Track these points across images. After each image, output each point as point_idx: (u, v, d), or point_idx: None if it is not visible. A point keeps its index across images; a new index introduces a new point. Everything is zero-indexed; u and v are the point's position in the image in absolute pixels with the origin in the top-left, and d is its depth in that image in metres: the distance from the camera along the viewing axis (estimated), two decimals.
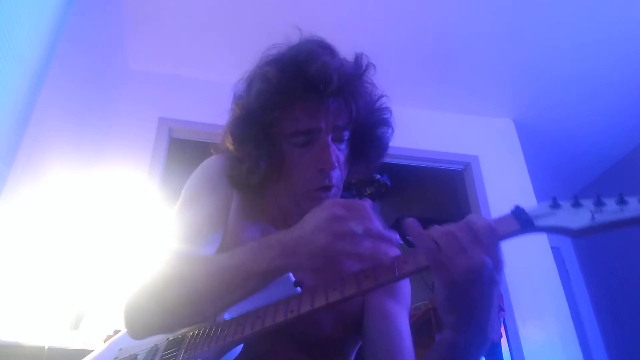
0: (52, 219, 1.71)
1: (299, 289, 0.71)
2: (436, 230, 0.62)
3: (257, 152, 0.79)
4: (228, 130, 0.83)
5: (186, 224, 0.84)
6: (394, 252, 0.65)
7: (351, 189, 3.34)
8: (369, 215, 0.64)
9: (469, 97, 3.01)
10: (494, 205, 2.79)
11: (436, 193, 3.40)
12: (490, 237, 0.59)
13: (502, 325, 2.38)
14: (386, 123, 0.86)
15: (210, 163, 0.92)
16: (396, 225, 3.17)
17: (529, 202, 2.97)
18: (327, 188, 0.79)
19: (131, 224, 2.18)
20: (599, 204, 0.57)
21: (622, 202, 0.55)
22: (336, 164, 0.77)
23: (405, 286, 0.92)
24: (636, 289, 3.22)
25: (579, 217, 0.57)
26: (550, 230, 0.58)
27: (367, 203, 0.65)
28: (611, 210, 0.55)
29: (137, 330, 0.75)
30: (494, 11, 2.43)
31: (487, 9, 2.41)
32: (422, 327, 2.29)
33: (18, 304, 1.53)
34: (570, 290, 3.48)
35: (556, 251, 3.44)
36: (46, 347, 1.45)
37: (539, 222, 0.59)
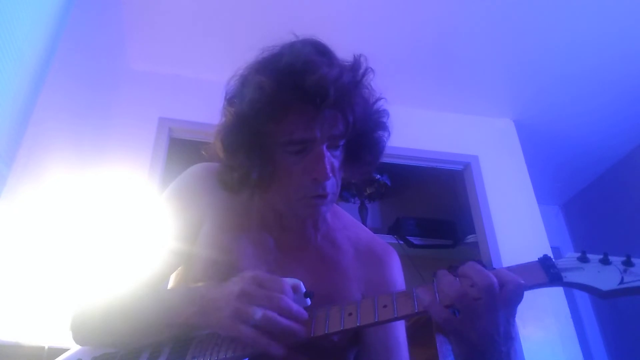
0: (52, 219, 1.71)
1: (308, 300, 0.71)
2: (455, 290, 0.61)
3: (249, 163, 0.78)
4: (219, 137, 0.81)
5: (152, 238, 0.89)
6: (301, 331, 0.66)
7: (351, 189, 3.34)
8: (280, 294, 0.66)
9: (469, 97, 3.01)
10: (494, 205, 2.79)
11: (436, 193, 3.40)
12: (515, 300, 0.59)
13: None
14: (383, 127, 0.85)
15: (190, 175, 0.93)
16: (396, 225, 3.17)
17: (529, 202, 2.96)
18: (322, 196, 0.78)
19: (131, 224, 2.18)
20: (628, 264, 0.57)
21: None
22: (330, 174, 0.76)
23: None
24: None
25: (608, 277, 0.56)
26: (578, 287, 0.58)
27: (284, 281, 0.68)
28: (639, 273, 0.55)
29: (78, 339, 0.83)
30: (493, 11, 2.43)
31: (486, 8, 2.41)
32: (422, 327, 2.28)
33: (18, 304, 1.53)
34: (570, 290, 3.48)
35: (556, 251, 3.44)
36: (46, 347, 1.45)
37: (568, 278, 0.59)
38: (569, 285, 0.59)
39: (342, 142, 0.79)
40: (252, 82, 0.77)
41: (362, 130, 0.81)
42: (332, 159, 0.78)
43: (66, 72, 1.76)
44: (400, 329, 0.88)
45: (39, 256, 1.63)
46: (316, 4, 2.40)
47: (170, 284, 0.95)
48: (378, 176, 3.23)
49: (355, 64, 0.79)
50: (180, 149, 2.60)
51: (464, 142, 3.00)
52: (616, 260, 0.58)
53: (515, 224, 2.75)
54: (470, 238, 3.00)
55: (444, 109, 3.07)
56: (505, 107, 3.09)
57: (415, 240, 3.07)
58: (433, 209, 3.37)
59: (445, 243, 3.13)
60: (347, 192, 3.35)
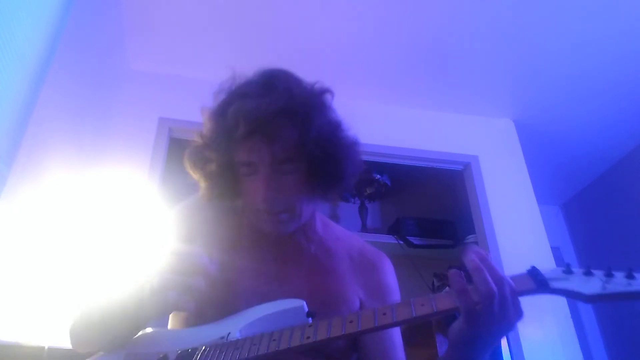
0: (52, 219, 1.71)
1: (310, 319, 0.73)
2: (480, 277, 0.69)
3: (199, 177, 0.90)
4: (185, 155, 0.93)
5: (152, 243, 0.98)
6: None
7: (351, 189, 3.34)
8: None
9: (469, 97, 3.01)
10: (494, 205, 2.78)
11: (436, 193, 3.40)
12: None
13: None
14: (345, 154, 0.86)
15: (179, 211, 1.03)
16: (396, 225, 3.17)
17: (529, 202, 2.95)
18: (273, 213, 0.84)
19: (131, 224, 2.18)
20: (608, 275, 0.62)
21: (630, 276, 0.61)
22: (270, 198, 0.81)
23: (395, 294, 0.96)
24: None
25: (591, 285, 0.62)
26: (564, 293, 0.64)
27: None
28: (619, 283, 0.61)
29: (75, 347, 0.88)
30: (493, 11, 2.43)
31: (486, 8, 2.41)
32: (422, 327, 2.29)
33: (18, 304, 1.53)
34: None
35: (556, 251, 3.44)
36: (46, 347, 1.45)
37: (554, 284, 0.65)
38: (554, 292, 0.65)
39: (288, 168, 0.83)
40: (207, 109, 0.89)
41: (322, 154, 0.83)
42: (282, 179, 0.82)
43: (66, 72, 1.76)
44: (395, 330, 0.90)
45: (39, 256, 1.63)
46: (316, 5, 2.40)
47: None
48: (378, 176, 3.23)
49: (303, 92, 0.84)
50: (180, 149, 2.58)
51: (464, 142, 3.00)
52: (598, 272, 0.64)
53: (515, 224, 2.74)
54: (470, 238, 3.00)
55: (444, 109, 3.07)
56: (505, 107, 3.09)
57: (415, 240, 3.06)
58: (433, 209, 3.37)
59: (445, 243, 3.13)
60: (347, 192, 3.35)
